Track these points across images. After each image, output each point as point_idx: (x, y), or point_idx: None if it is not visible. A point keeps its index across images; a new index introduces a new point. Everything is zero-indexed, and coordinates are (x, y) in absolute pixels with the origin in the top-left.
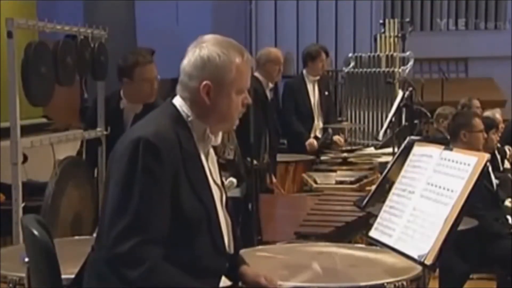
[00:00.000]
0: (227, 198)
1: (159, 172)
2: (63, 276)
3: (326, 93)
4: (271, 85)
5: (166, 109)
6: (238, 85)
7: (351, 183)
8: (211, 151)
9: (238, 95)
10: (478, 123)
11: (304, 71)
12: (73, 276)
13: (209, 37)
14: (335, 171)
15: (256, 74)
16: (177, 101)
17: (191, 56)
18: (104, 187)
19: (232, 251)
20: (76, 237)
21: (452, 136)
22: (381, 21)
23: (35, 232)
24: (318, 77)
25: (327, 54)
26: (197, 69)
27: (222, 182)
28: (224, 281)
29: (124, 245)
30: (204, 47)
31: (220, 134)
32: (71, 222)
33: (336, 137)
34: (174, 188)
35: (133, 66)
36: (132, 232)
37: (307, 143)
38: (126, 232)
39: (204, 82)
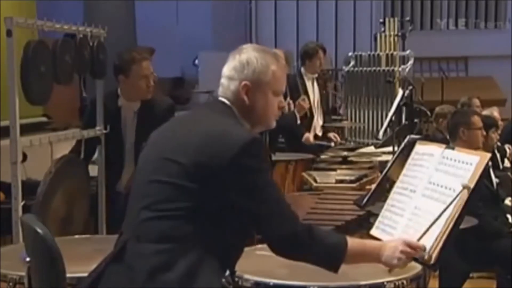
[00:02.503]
0: None
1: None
2: (70, 275)
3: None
4: None
5: (225, 109)
6: (274, 86)
7: (351, 182)
8: None
9: (274, 96)
10: (476, 120)
11: (302, 69)
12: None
13: (248, 45)
14: (335, 170)
15: None
16: (226, 101)
17: (232, 61)
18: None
19: None
20: (77, 236)
21: (451, 134)
22: (381, 20)
23: (39, 230)
24: (316, 75)
25: (324, 51)
26: (237, 71)
27: None
28: None
29: (291, 230)
30: (244, 52)
31: None
32: (62, 221)
33: (330, 134)
34: None
35: (129, 63)
36: (287, 220)
37: (303, 138)
38: (284, 221)
39: (244, 83)
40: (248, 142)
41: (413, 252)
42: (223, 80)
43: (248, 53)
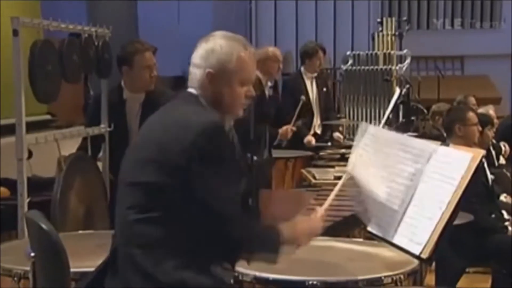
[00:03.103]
0: None
1: (233, 150)
2: (74, 270)
3: (324, 89)
4: (270, 83)
5: (190, 98)
6: (240, 75)
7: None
8: None
9: (241, 86)
10: (472, 116)
11: (302, 69)
12: (82, 269)
13: (217, 32)
14: (333, 166)
15: (256, 72)
16: (193, 91)
17: (199, 49)
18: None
19: None
20: (80, 231)
21: (447, 131)
22: (378, 20)
23: (44, 226)
24: (315, 74)
25: (324, 51)
26: (202, 59)
27: None
28: None
29: (231, 211)
30: (211, 40)
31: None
32: (83, 217)
33: (336, 135)
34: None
35: (132, 54)
36: (235, 202)
37: (305, 140)
38: (230, 202)
39: (207, 70)
40: (206, 126)
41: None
42: (191, 68)
43: (214, 41)
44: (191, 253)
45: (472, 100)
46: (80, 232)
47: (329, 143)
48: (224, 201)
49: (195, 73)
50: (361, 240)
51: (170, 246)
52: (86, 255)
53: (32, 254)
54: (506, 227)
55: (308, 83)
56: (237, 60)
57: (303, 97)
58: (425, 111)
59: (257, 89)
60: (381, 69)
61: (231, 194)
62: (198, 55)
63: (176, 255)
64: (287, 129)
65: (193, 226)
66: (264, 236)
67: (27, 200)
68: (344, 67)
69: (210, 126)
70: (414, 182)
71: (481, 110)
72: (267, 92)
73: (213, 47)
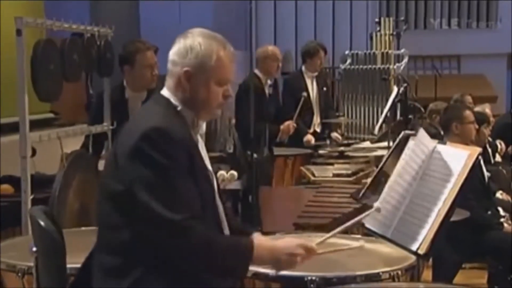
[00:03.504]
0: (218, 183)
1: (179, 155)
2: (70, 266)
3: (324, 88)
4: (269, 81)
5: (158, 100)
6: (218, 75)
7: (348, 176)
8: (200, 138)
9: (218, 86)
10: (468, 114)
11: (303, 68)
12: (77, 265)
13: (195, 29)
14: (332, 164)
15: (256, 71)
16: (165, 92)
17: (177, 45)
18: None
19: (227, 231)
20: (83, 228)
21: (444, 129)
22: (376, 20)
23: (42, 223)
24: (316, 73)
25: (325, 51)
26: (180, 56)
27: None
28: None
29: (167, 217)
30: (190, 37)
31: (204, 123)
32: (78, 213)
33: (334, 135)
34: (191, 172)
35: (134, 53)
36: (173, 209)
37: (304, 139)
38: (167, 209)
39: (185, 69)
40: (147, 131)
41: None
42: (168, 65)
43: (193, 38)
44: (153, 260)
45: (468, 98)
46: (83, 228)
47: (328, 142)
48: (164, 205)
49: (171, 70)
50: (359, 236)
51: (132, 254)
52: (86, 251)
53: (34, 249)
54: (502, 224)
55: (308, 82)
56: (216, 59)
57: (304, 94)
58: (423, 109)
59: (257, 88)
60: (379, 68)
61: (172, 198)
62: (175, 52)
63: (140, 262)
64: (289, 125)
65: (143, 232)
66: (220, 246)
67: (30, 197)
68: (342, 66)
69: (151, 131)
70: (415, 179)
71: (477, 108)
72: (267, 90)
73: (192, 44)
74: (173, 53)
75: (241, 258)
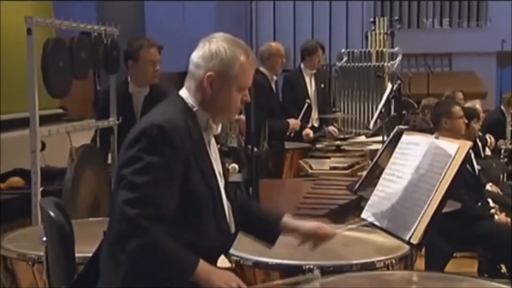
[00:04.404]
0: (227, 183)
1: (170, 155)
2: (79, 255)
3: (322, 85)
4: (275, 77)
5: (174, 99)
6: (240, 82)
7: (344, 169)
8: (213, 140)
9: (238, 92)
10: (457, 110)
11: (302, 65)
12: (88, 254)
13: (219, 34)
14: (329, 157)
15: (261, 68)
16: (183, 93)
17: (201, 49)
18: (116, 172)
19: (233, 230)
20: (91, 219)
21: (435, 124)
22: (371, 20)
23: (52, 214)
24: (314, 71)
25: (323, 49)
26: (204, 60)
27: (223, 169)
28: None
29: (129, 211)
30: (214, 42)
31: (220, 124)
32: (90, 205)
33: (330, 128)
34: (185, 173)
35: (138, 49)
36: (137, 204)
37: (304, 133)
38: (132, 203)
39: (209, 73)
40: (150, 125)
41: None
42: (191, 67)
43: (217, 43)
44: None
45: (459, 95)
46: (91, 219)
47: (325, 133)
48: (126, 197)
49: (194, 73)
50: (355, 226)
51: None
52: (94, 241)
53: (44, 239)
54: (491, 215)
55: (307, 79)
56: (239, 66)
57: (308, 101)
58: (416, 105)
59: (266, 85)
60: (374, 65)
61: (138, 193)
62: (200, 55)
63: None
64: (297, 123)
65: None
66: (165, 254)
67: (40, 189)
68: (339, 64)
69: (151, 127)
70: (409, 171)
71: (468, 104)
72: (274, 86)
73: (217, 50)
74: (197, 56)
75: (180, 271)
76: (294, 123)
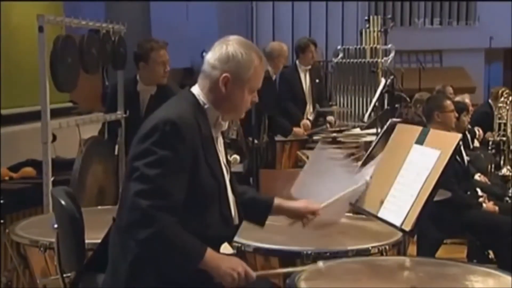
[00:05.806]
0: (232, 176)
1: (180, 149)
2: (88, 241)
3: (317, 80)
4: (275, 75)
5: (186, 96)
6: (252, 84)
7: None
8: (220, 135)
9: (249, 93)
10: (448, 104)
11: (297, 62)
12: (97, 241)
13: (234, 37)
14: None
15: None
16: (195, 90)
17: (217, 51)
18: (126, 164)
19: (237, 222)
20: (99, 207)
21: (427, 118)
22: (366, 18)
23: (63, 202)
24: (309, 67)
25: (315, 45)
26: (221, 62)
27: (228, 162)
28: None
29: (142, 202)
30: (230, 45)
31: (227, 122)
32: (96, 194)
33: (329, 118)
34: (194, 166)
35: (148, 51)
36: (149, 195)
37: (302, 123)
38: (145, 194)
39: (224, 74)
40: (163, 120)
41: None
42: (206, 67)
43: (234, 46)
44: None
45: (449, 89)
46: (100, 207)
47: (325, 126)
48: (138, 189)
49: (210, 73)
50: (351, 214)
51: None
52: (102, 228)
53: (55, 226)
54: (480, 203)
55: (302, 75)
56: (253, 69)
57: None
58: (408, 99)
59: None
60: (368, 61)
61: (150, 185)
62: (217, 57)
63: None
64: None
65: None
66: (175, 243)
67: (51, 179)
68: (335, 60)
69: (163, 121)
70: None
71: (458, 98)
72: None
73: (234, 52)
74: (213, 58)
75: (189, 259)
76: (297, 131)
